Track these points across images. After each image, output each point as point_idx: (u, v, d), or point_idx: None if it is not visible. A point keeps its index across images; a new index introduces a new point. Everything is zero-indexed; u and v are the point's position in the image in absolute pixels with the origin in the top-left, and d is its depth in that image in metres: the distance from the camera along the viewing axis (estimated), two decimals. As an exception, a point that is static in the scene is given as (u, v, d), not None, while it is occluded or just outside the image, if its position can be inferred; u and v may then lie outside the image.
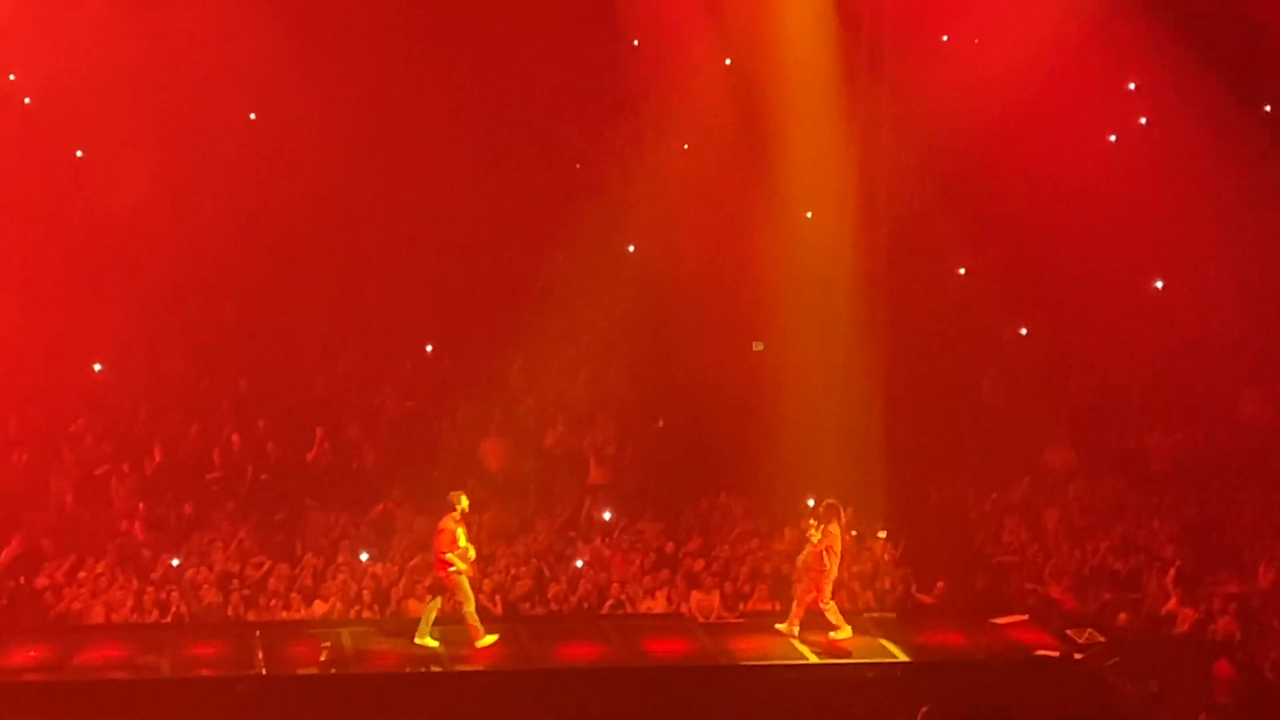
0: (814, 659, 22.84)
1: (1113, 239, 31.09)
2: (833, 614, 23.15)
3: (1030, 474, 29.35)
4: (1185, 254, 31.77)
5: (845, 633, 23.13)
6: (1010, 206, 31.17)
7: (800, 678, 22.54)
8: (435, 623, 22.85)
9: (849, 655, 22.92)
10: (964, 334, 31.63)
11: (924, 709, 19.74)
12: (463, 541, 22.72)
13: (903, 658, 22.82)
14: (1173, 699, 22.09)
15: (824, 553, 22.99)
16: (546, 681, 22.31)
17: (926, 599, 25.66)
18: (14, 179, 29.38)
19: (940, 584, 25.91)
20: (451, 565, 22.58)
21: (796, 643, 23.19)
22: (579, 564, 26.00)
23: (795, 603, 23.41)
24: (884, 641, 23.32)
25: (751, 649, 23.16)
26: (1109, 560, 26.47)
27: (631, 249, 32.08)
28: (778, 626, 23.31)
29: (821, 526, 23.06)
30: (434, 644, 22.69)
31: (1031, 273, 31.94)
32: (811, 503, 27.95)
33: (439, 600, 22.84)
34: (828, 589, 23.15)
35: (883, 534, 26.79)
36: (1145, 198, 31.34)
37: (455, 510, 22.73)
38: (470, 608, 22.73)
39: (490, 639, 22.74)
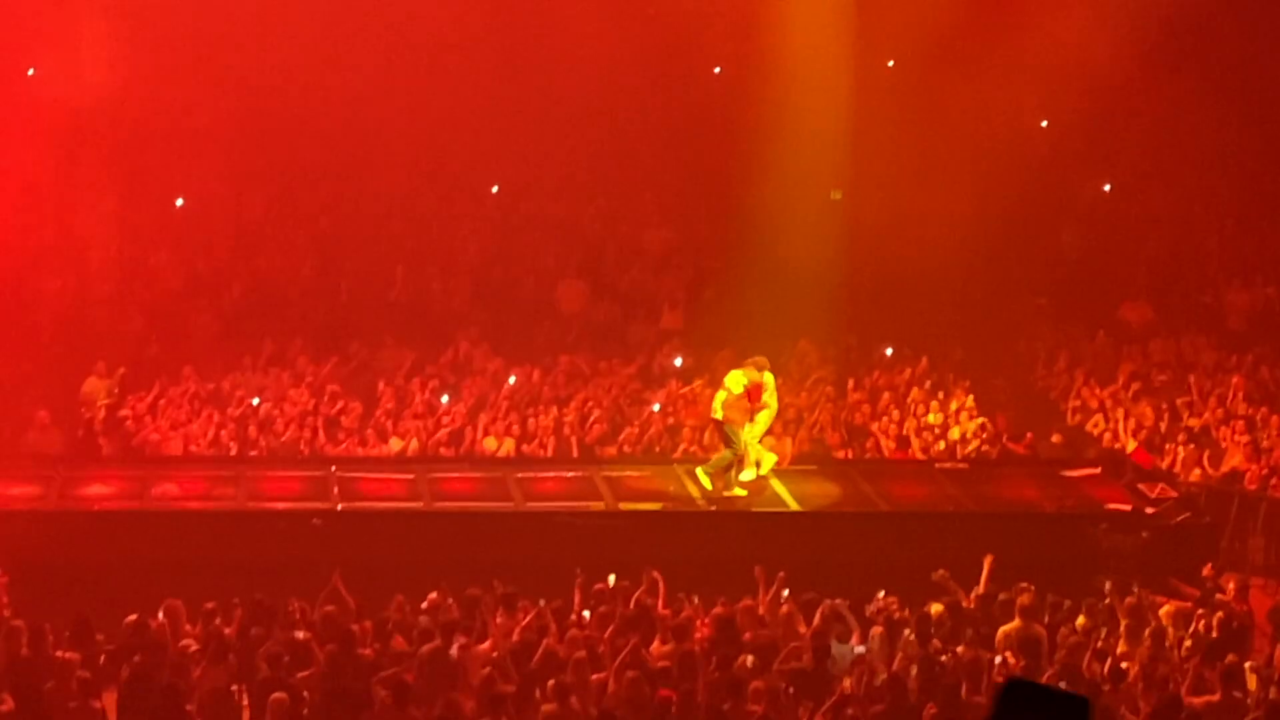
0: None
1: (1195, 93, 30.70)
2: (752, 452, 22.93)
3: (1107, 328, 29.26)
4: (1268, 109, 31.35)
5: (749, 474, 22.91)
6: (1091, 60, 30.76)
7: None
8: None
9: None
10: (1045, 187, 31.37)
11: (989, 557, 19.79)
12: (771, 399, 22.54)
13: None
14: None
15: (751, 400, 22.66)
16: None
17: (1017, 448, 25.62)
18: (104, 15, 29.37)
19: (1029, 434, 25.86)
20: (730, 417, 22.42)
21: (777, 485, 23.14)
22: (655, 408, 26.04)
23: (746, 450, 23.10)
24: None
25: (826, 496, 23.18)
26: (1183, 416, 26.41)
27: (719, 70, 31.81)
28: (742, 477, 22.96)
29: (747, 378, 22.65)
30: (707, 485, 22.59)
31: (1114, 126, 31.64)
32: (890, 351, 27.98)
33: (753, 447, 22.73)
34: (749, 431, 22.80)
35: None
36: (1228, 55, 30.96)
37: (748, 372, 22.46)
38: (729, 456, 22.57)
39: (741, 491, 22.74)
